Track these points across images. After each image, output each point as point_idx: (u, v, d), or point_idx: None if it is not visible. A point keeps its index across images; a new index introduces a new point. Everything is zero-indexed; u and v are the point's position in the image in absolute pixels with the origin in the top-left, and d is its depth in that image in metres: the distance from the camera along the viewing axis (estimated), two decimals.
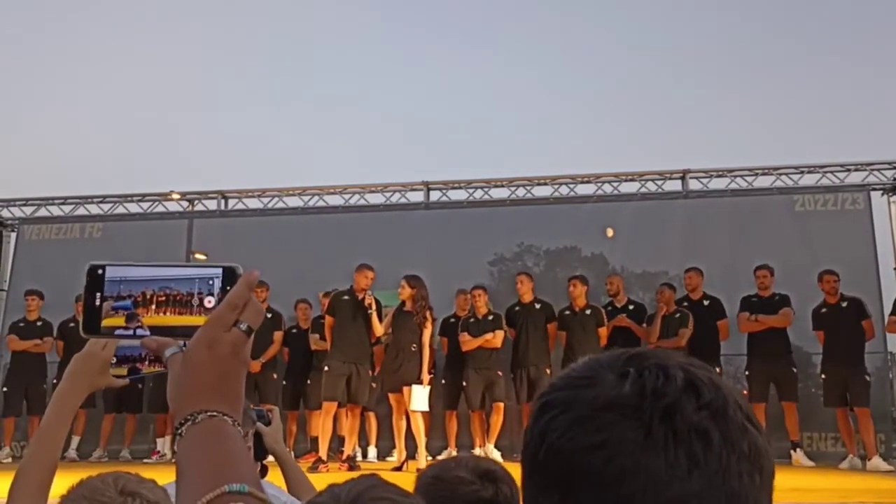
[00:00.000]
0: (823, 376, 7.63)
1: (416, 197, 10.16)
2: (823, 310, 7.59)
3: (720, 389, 0.65)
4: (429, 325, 6.98)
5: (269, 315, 8.50)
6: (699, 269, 8.10)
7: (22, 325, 8.84)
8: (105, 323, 0.93)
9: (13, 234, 10.66)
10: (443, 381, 8.08)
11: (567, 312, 7.99)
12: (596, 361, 0.68)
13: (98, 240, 10.35)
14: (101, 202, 10.72)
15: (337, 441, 7.50)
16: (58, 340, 8.62)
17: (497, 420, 7.58)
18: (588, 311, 7.91)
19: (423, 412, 6.84)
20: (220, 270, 0.92)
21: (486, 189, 10.10)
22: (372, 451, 8.15)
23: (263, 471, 2.14)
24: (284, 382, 8.50)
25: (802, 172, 9.45)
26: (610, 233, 9.41)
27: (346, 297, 7.27)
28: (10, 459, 8.61)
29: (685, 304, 7.94)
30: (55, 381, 8.45)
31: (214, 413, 0.78)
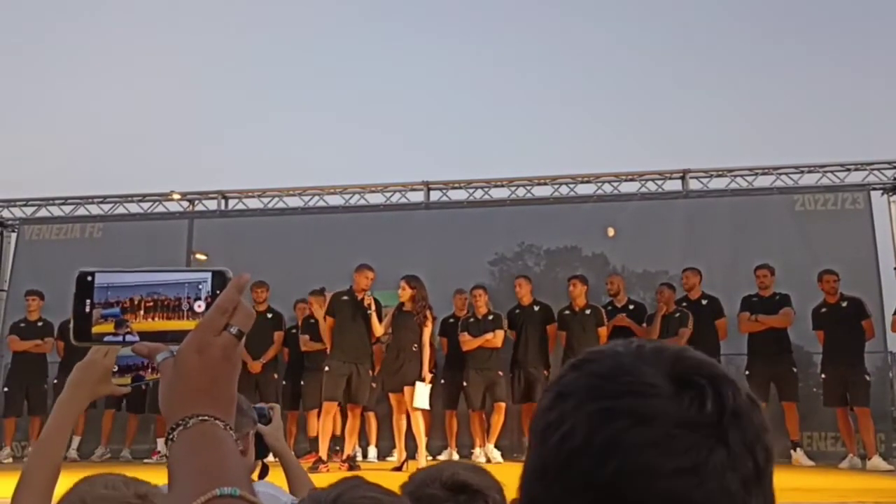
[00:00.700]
0: (823, 376, 7.63)
1: (417, 197, 10.16)
2: (823, 309, 7.60)
3: (757, 404, 0.65)
4: (429, 324, 6.99)
5: (269, 315, 8.52)
6: (697, 268, 8.11)
7: (23, 325, 8.84)
8: (95, 330, 0.92)
9: (13, 235, 10.67)
10: (442, 381, 8.09)
11: (567, 312, 8.00)
12: (633, 357, 0.65)
13: (98, 240, 10.36)
14: (101, 202, 10.72)
15: (337, 441, 7.51)
16: (58, 341, 8.62)
17: (498, 420, 7.59)
18: (588, 311, 7.92)
19: (423, 412, 6.85)
20: (209, 274, 0.92)
21: (486, 189, 10.10)
22: (372, 451, 8.16)
23: (264, 469, 2.14)
24: (284, 382, 8.51)
25: (802, 172, 9.45)
26: (611, 232, 9.41)
27: (345, 298, 7.27)
28: (10, 460, 8.62)
29: (684, 303, 7.95)
30: (56, 381, 8.49)
31: (206, 417, 0.78)
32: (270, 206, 10.47)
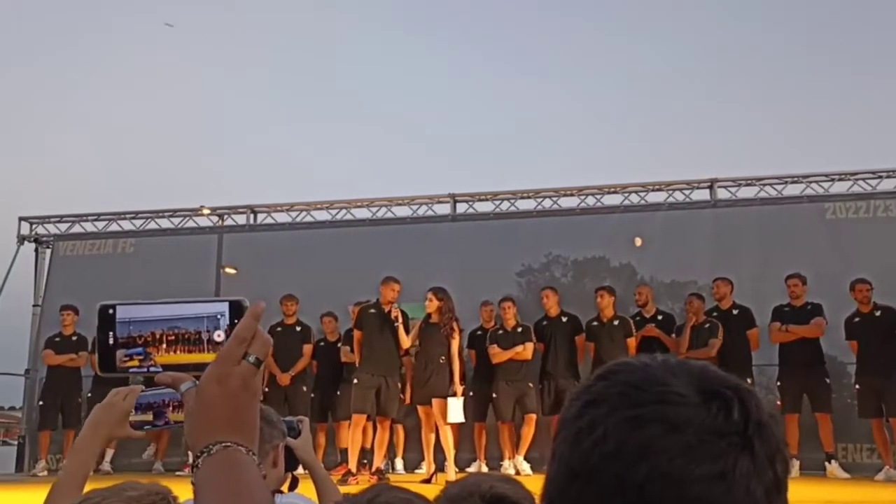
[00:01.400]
0: (857, 387, 7.50)
1: (443, 209, 10.19)
2: (856, 319, 7.48)
3: (777, 419, 0.68)
4: (456, 336, 6.99)
5: (298, 328, 8.58)
6: (727, 278, 8.02)
7: (57, 339, 8.98)
8: (120, 364, 0.97)
9: (48, 251, 10.85)
10: (471, 394, 8.08)
11: (595, 323, 7.97)
12: (660, 368, 0.68)
13: (130, 255, 10.51)
14: (133, 218, 10.90)
15: (366, 454, 7.52)
16: (92, 355, 8.75)
17: (528, 432, 7.57)
18: (616, 322, 7.88)
19: (451, 424, 6.84)
20: (226, 305, 0.96)
21: (512, 200, 10.10)
22: (399, 463, 8.17)
23: (294, 482, 2.15)
24: (313, 395, 8.55)
25: (833, 180, 9.33)
26: (638, 242, 9.36)
27: (372, 311, 7.31)
28: (45, 472, 8.74)
29: (714, 313, 7.87)
30: (90, 394, 8.60)
31: (229, 444, 0.81)
32: (298, 219, 10.56)
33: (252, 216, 10.66)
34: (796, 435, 7.32)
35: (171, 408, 1.56)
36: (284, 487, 2.07)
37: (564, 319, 8.07)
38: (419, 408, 7.02)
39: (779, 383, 7.65)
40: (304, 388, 8.52)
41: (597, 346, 7.85)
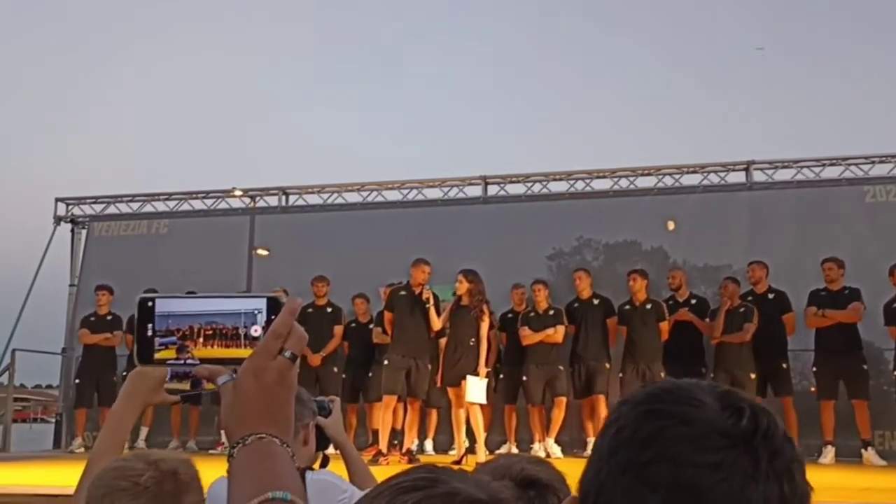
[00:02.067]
0: None
1: (474, 191, 10.15)
2: (895, 304, 7.33)
3: (795, 447, 0.72)
4: (486, 318, 6.97)
5: (329, 310, 8.63)
6: (763, 262, 7.90)
7: (93, 319, 9.13)
8: (158, 356, 0.99)
9: (84, 231, 11.02)
10: (501, 376, 8.07)
11: (627, 307, 7.90)
12: (692, 383, 0.73)
13: (164, 236, 10.64)
14: (166, 199, 11.02)
15: (396, 435, 7.56)
16: (127, 334, 8.87)
17: (558, 415, 7.55)
18: (648, 306, 7.80)
19: (482, 406, 6.84)
20: (264, 301, 0.98)
21: (544, 183, 10.03)
22: (428, 444, 8.20)
23: (325, 461, 2.17)
24: (344, 376, 8.60)
25: (873, 162, 9.13)
26: (671, 226, 9.25)
27: (403, 293, 7.32)
28: (82, 449, 8.92)
29: (749, 297, 7.76)
30: (125, 373, 8.72)
31: (263, 435, 0.84)
32: (330, 201, 10.59)
33: (284, 198, 10.72)
34: (832, 421, 7.22)
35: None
36: (316, 465, 2.09)
37: (596, 302, 8.01)
38: (449, 389, 7.03)
39: (815, 369, 7.53)
40: (336, 370, 8.57)
41: (629, 329, 7.79)
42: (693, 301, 8.03)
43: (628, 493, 0.68)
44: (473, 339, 6.85)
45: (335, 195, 10.59)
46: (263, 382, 0.86)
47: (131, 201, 11.07)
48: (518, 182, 10.08)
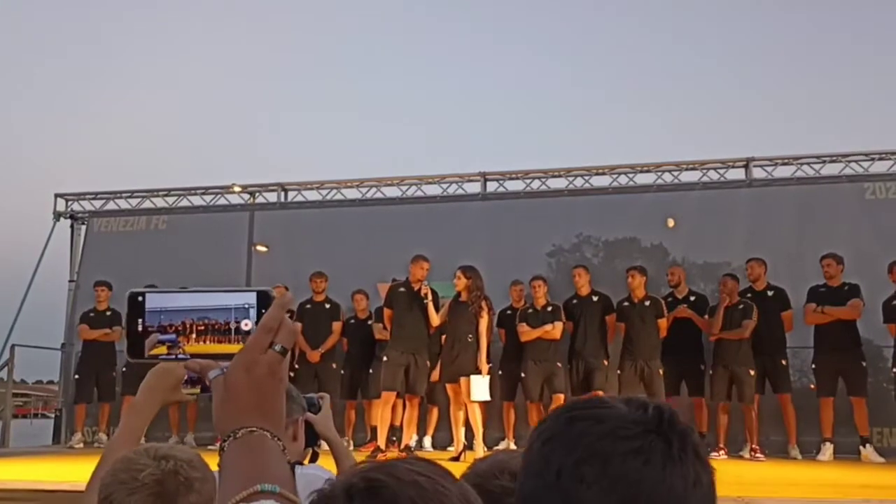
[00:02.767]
0: (895, 370, 7.38)
1: (474, 188, 10.14)
2: (895, 302, 7.33)
3: (696, 432, 0.81)
4: (485, 315, 6.97)
5: (327, 305, 8.63)
6: (762, 259, 7.90)
7: (92, 314, 9.13)
8: (150, 352, 1.00)
9: (83, 227, 11.01)
10: (500, 373, 8.08)
11: (626, 304, 7.90)
12: (599, 397, 0.83)
13: (163, 231, 10.64)
14: (165, 195, 11.01)
15: (395, 431, 7.56)
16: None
17: None
18: (647, 303, 7.80)
19: (480, 402, 6.85)
20: (254, 295, 0.99)
21: (543, 179, 10.02)
22: (427, 441, 8.20)
23: (315, 457, 2.19)
24: (343, 372, 8.60)
25: (873, 159, 9.11)
26: (671, 223, 9.24)
27: (402, 289, 7.32)
28: (81, 445, 8.93)
29: (748, 294, 7.76)
30: (124, 369, 8.74)
31: (254, 429, 0.85)
32: (329, 197, 10.58)
33: (283, 194, 10.71)
34: (831, 418, 7.24)
35: None
36: (305, 461, 2.10)
37: (595, 299, 8.01)
38: (447, 386, 7.04)
39: (814, 366, 7.54)
40: (334, 366, 8.57)
41: (628, 326, 7.79)
42: (692, 298, 8.03)
43: (564, 494, 0.74)
44: (471, 336, 6.85)
45: (334, 191, 10.58)
46: (254, 376, 0.86)
47: (130, 197, 11.06)
48: (517, 178, 10.08)
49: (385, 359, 7.16)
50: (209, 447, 8.32)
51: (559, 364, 7.74)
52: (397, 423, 7.51)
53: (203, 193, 10.92)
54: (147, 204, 10.99)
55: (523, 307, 8.05)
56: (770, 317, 7.55)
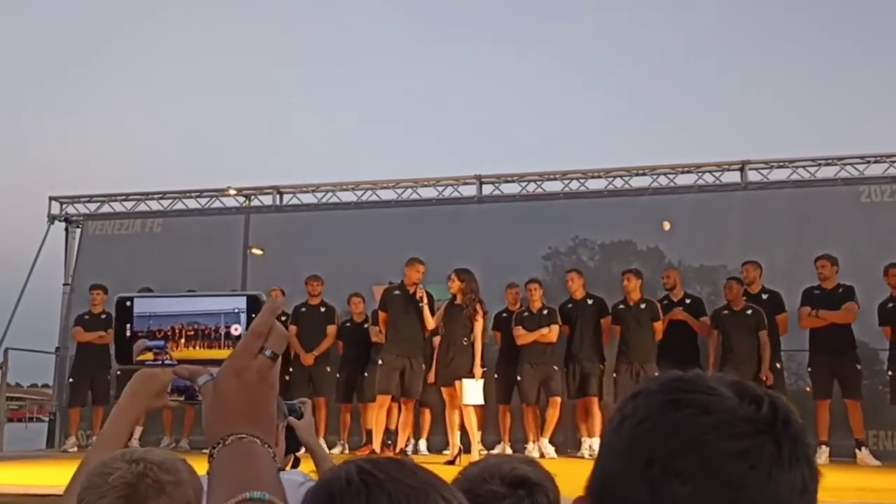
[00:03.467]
0: (890, 373, 7.38)
1: (469, 191, 10.13)
2: (890, 304, 7.34)
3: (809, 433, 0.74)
4: (479, 318, 6.96)
5: (322, 309, 8.61)
6: (757, 262, 7.91)
7: (87, 317, 9.10)
8: (137, 358, 0.99)
9: (78, 230, 10.98)
10: (496, 376, 8.06)
11: (621, 307, 7.90)
12: (702, 374, 0.73)
13: (158, 234, 10.61)
14: (160, 198, 10.98)
15: (390, 435, 7.55)
16: None
17: (553, 415, 7.55)
18: (643, 305, 7.80)
19: (475, 406, 6.83)
20: (244, 299, 0.97)
21: (539, 182, 10.01)
22: (422, 444, 8.19)
23: (296, 462, 2.20)
24: (338, 375, 8.58)
25: (869, 162, 9.13)
26: (667, 226, 9.24)
27: (397, 292, 7.31)
28: (76, 448, 8.89)
29: (743, 297, 7.77)
30: (118, 372, 8.70)
31: (244, 436, 0.83)
32: (324, 200, 10.57)
33: (278, 197, 10.70)
34: (827, 421, 7.23)
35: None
36: (287, 467, 2.11)
37: (590, 302, 8.01)
38: (443, 389, 7.02)
39: (810, 369, 7.54)
40: (329, 369, 8.55)
41: (623, 329, 7.79)
42: (687, 300, 8.03)
43: (654, 485, 0.66)
44: (466, 339, 6.85)
45: (329, 194, 10.57)
46: (244, 382, 0.85)
47: (125, 200, 11.03)
48: (513, 181, 10.07)
49: (380, 362, 7.15)
50: (203, 451, 8.30)
51: (555, 367, 7.73)
52: (392, 427, 7.48)
53: (198, 196, 10.90)
54: (142, 207, 10.96)
55: (519, 310, 8.04)
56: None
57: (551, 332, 7.70)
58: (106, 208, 11.02)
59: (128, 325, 0.98)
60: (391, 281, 7.84)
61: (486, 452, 7.23)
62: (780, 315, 7.69)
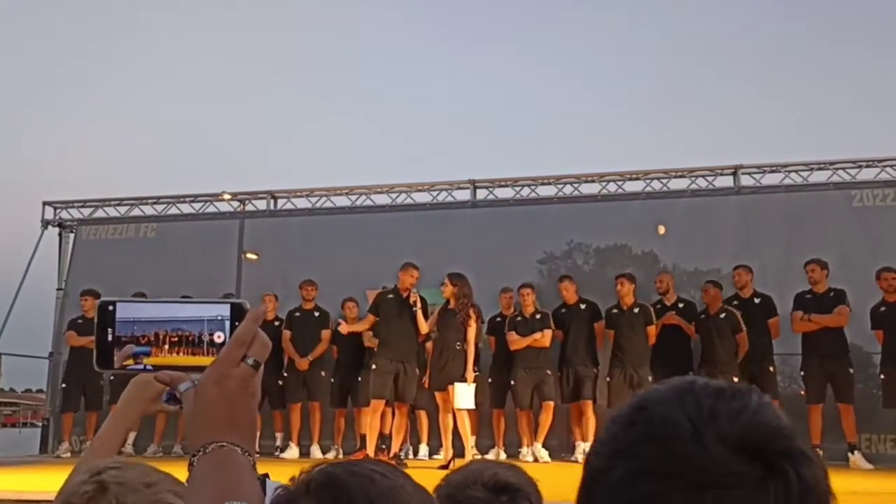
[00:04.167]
0: (883, 377, 7.40)
1: (463, 195, 10.14)
2: (882, 308, 7.36)
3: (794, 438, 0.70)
4: (473, 322, 6.97)
5: (316, 314, 8.60)
6: (748, 266, 7.94)
7: (80, 321, 9.05)
8: (121, 363, 0.98)
9: (72, 235, 10.95)
10: (490, 380, 8.07)
11: (615, 311, 7.91)
12: (701, 421, 0.67)
13: (152, 239, 10.58)
14: (155, 203, 10.95)
15: (384, 439, 7.54)
16: None
17: (546, 419, 7.55)
18: (636, 310, 7.82)
19: (469, 410, 6.83)
20: (228, 307, 0.96)
21: (533, 187, 10.03)
22: (423, 449, 8.18)
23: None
24: (332, 380, 8.57)
25: (861, 167, 9.16)
26: (661, 230, 9.26)
27: (391, 296, 7.31)
28: (69, 454, 8.85)
29: (735, 302, 7.79)
30: (111, 377, 8.67)
31: (224, 444, 0.83)
32: (318, 205, 10.56)
33: (273, 202, 10.69)
34: (820, 425, 7.24)
35: None
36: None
37: (583, 306, 8.02)
38: (436, 393, 7.03)
39: (802, 373, 7.56)
40: (323, 374, 8.54)
41: (616, 333, 7.80)
42: (681, 305, 8.04)
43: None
44: (459, 344, 6.85)
45: (324, 199, 10.57)
46: (226, 390, 0.85)
47: (119, 205, 11.01)
48: (507, 186, 10.08)
49: (374, 367, 7.14)
50: None
51: (549, 372, 7.73)
52: (387, 432, 7.48)
53: (192, 201, 10.88)
54: (136, 212, 10.94)
55: (512, 315, 8.05)
56: (756, 324, 7.58)
57: (544, 337, 7.71)
58: (100, 213, 11.00)
59: (109, 330, 0.98)
60: (384, 285, 7.84)
61: (479, 457, 7.24)
62: (772, 319, 7.72)
